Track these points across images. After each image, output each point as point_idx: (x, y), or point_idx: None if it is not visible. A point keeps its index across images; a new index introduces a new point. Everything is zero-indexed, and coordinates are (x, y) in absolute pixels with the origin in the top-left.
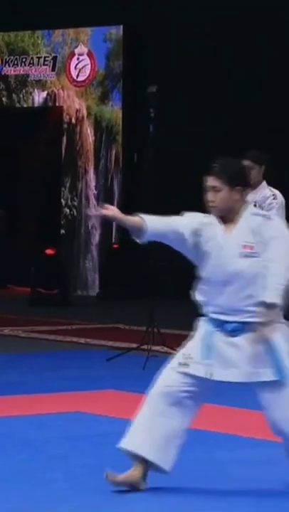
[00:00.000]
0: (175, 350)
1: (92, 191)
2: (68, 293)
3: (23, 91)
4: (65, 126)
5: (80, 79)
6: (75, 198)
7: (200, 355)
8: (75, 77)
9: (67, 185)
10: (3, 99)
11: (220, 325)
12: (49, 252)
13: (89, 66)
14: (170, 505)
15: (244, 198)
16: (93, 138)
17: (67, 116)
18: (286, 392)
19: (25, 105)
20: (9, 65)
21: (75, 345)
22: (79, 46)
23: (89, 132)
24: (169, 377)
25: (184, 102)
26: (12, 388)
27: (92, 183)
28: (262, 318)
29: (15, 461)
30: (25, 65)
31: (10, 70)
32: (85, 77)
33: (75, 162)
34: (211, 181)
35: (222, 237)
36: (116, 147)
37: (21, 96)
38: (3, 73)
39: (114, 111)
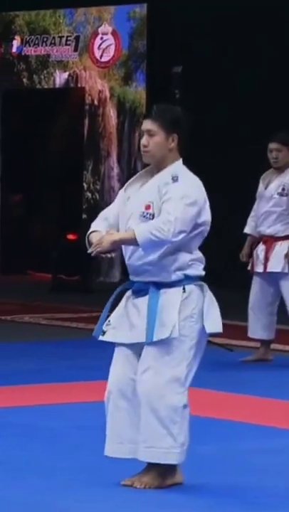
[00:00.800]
0: None
1: (115, 175)
2: (90, 279)
3: (44, 72)
4: (87, 107)
5: (103, 59)
6: (97, 182)
7: (114, 318)
8: (98, 58)
9: (90, 168)
10: (24, 80)
11: (131, 285)
12: (70, 237)
13: (113, 46)
14: (190, 498)
15: (179, 150)
16: (116, 120)
17: (90, 98)
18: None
19: (46, 86)
20: (30, 45)
21: None
22: (103, 25)
23: (112, 114)
24: (114, 368)
25: (210, 82)
26: (31, 377)
27: (115, 167)
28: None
29: (26, 451)
30: (46, 45)
31: (30, 50)
32: (110, 57)
33: (98, 145)
34: (146, 124)
35: (131, 192)
36: (140, 129)
37: (42, 77)
38: (23, 53)
39: (138, 92)
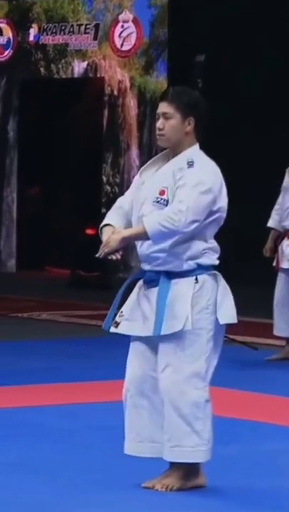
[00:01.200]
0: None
1: (135, 167)
2: (110, 275)
3: (62, 61)
4: (107, 98)
5: (124, 48)
6: (116, 175)
7: (127, 309)
8: (119, 47)
9: (109, 161)
10: (41, 69)
11: (142, 275)
12: (89, 231)
13: (134, 34)
14: (211, 500)
15: (196, 134)
16: (136, 111)
17: (109, 88)
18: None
19: (64, 76)
20: (47, 34)
21: None
22: (123, 13)
23: (132, 105)
24: (130, 365)
25: (233, 71)
26: (47, 376)
27: (136, 159)
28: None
29: (39, 452)
30: (64, 33)
31: (48, 39)
32: (131, 46)
33: (117, 137)
34: (162, 107)
35: (146, 177)
36: None
37: (60, 66)
38: (40, 42)
39: (159, 82)
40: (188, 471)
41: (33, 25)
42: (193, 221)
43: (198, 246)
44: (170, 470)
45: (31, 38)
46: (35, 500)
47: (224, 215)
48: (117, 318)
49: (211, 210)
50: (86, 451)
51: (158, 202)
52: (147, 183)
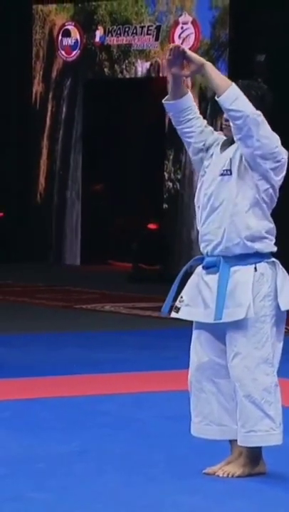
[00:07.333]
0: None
1: None
2: (171, 269)
3: (126, 61)
4: None
5: None
6: (178, 171)
7: (187, 295)
8: None
9: (171, 158)
10: (105, 69)
11: (201, 261)
12: (152, 226)
13: (193, 35)
14: (271, 487)
15: None
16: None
17: None
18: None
19: (127, 76)
20: (112, 35)
21: (179, 322)
22: (183, 15)
23: None
24: (194, 351)
25: None
26: (111, 366)
27: None
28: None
29: (115, 442)
30: (128, 34)
31: (113, 40)
32: (189, 46)
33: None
34: None
35: (212, 158)
36: (221, 119)
37: (124, 66)
38: (105, 43)
39: None
40: (250, 458)
41: (99, 27)
42: (262, 122)
43: (257, 226)
44: (231, 457)
45: (97, 39)
46: (99, 488)
47: (280, 183)
48: (177, 304)
49: (275, 158)
50: (151, 440)
51: (222, 174)
52: (212, 163)
